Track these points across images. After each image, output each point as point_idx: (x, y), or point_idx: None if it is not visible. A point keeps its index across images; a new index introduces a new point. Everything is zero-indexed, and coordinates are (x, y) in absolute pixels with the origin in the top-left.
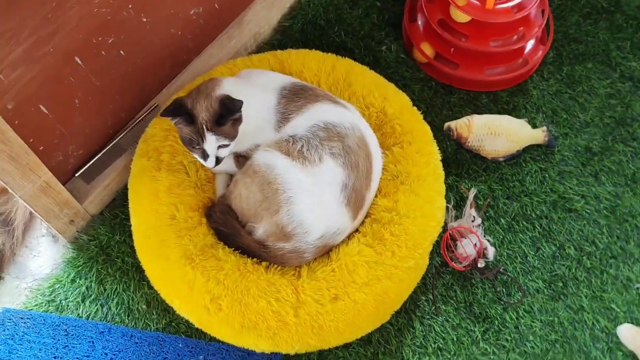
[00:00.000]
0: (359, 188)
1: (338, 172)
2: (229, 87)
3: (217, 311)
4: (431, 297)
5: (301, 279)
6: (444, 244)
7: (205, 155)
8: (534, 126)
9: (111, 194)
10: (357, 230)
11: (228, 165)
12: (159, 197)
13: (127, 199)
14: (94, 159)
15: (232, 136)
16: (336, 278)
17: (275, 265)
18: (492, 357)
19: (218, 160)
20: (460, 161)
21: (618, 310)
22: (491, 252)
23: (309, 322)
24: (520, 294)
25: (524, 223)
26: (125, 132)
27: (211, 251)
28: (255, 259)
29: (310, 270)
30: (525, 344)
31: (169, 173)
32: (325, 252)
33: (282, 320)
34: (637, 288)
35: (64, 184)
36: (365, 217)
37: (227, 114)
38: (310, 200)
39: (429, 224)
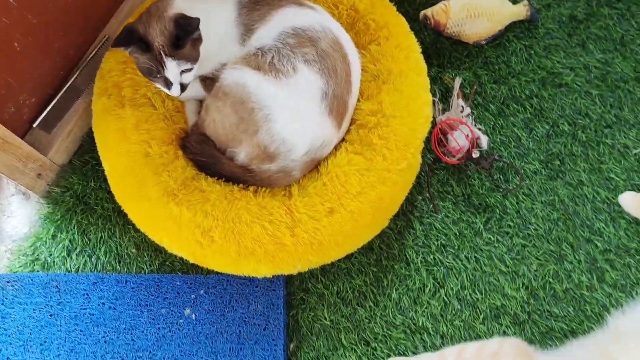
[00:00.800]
0: (339, 94)
1: (315, 79)
2: (182, 4)
3: (210, 244)
4: (428, 195)
5: (293, 198)
6: (435, 140)
7: (168, 84)
8: (514, 2)
9: (76, 140)
10: (343, 139)
11: (195, 90)
12: (127, 136)
13: (95, 143)
14: (50, 106)
15: (193, 58)
16: (329, 191)
17: (264, 188)
18: (496, 245)
19: (183, 87)
20: (440, 50)
21: (617, 179)
22: (484, 140)
23: (308, 240)
24: (518, 178)
25: (514, 105)
26: (78, 71)
27: (193, 184)
28: (241, 185)
29: (301, 187)
30: (528, 227)
31: (134, 109)
32: (314, 166)
33: (279, 242)
34: (635, 154)
35: (22, 137)
36: (351, 124)
37: (185, 34)
38: (290, 115)
39: (417, 122)
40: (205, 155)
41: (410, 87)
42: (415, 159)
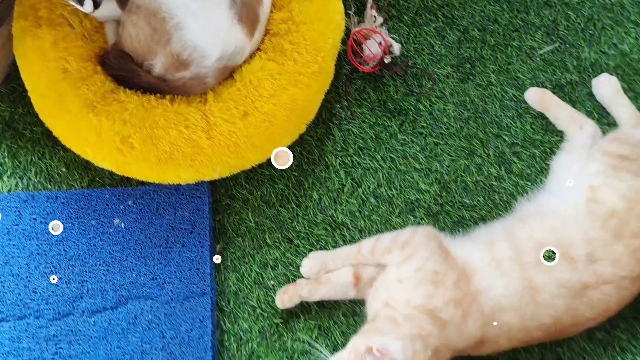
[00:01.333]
0: (249, 3)
1: None
2: None
3: (130, 150)
4: (345, 103)
5: (208, 103)
6: (350, 50)
7: (80, 0)
8: None
9: (3, 69)
10: (258, 49)
11: (110, 10)
12: (45, 54)
13: None
14: None
15: None
16: (242, 95)
17: (180, 97)
18: (411, 145)
19: (96, 4)
20: None
21: (524, 78)
22: (397, 47)
23: (224, 142)
24: (430, 82)
25: (427, 15)
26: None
27: (112, 96)
28: (158, 95)
29: (216, 94)
30: (440, 127)
31: (51, 28)
32: (228, 74)
33: (196, 145)
34: (540, 54)
35: None
36: (265, 35)
37: None
38: (199, 22)
39: (328, 27)
40: (123, 69)
41: None
42: (327, 64)
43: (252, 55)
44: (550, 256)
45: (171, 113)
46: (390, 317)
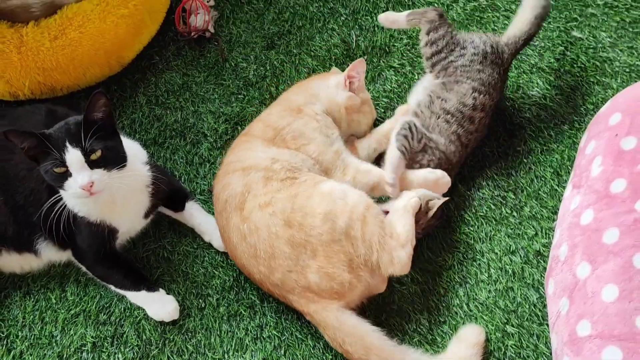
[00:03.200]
0: None
1: None
2: None
3: None
4: (164, 57)
5: (27, 27)
6: (178, 15)
7: None
8: None
9: None
10: None
11: None
12: None
13: None
14: None
15: None
16: (57, 24)
17: (7, 21)
18: (211, 93)
19: None
20: None
21: (320, 50)
22: (212, 27)
23: (32, 58)
24: (221, 58)
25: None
26: None
27: None
28: None
29: (36, 23)
30: (239, 81)
31: None
32: (54, 11)
33: (7, 58)
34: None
35: None
36: None
37: None
38: None
39: None
40: None
41: None
42: (139, 13)
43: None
44: None
45: None
46: None
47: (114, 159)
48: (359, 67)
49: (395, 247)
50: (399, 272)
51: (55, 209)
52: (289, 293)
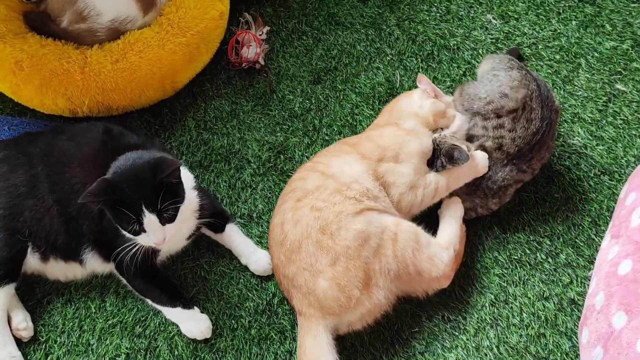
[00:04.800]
0: None
1: None
2: None
3: (20, 71)
4: (215, 84)
5: (91, 50)
6: (231, 46)
7: None
8: None
9: None
10: (148, 25)
11: None
12: None
13: None
14: None
15: None
16: (119, 49)
17: (73, 42)
18: (258, 121)
19: None
20: None
21: (364, 87)
22: (262, 59)
23: (93, 79)
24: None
25: (300, 34)
26: None
27: (22, 35)
28: (57, 39)
29: (100, 46)
30: (285, 112)
31: None
32: (118, 36)
33: (71, 77)
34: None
35: None
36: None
37: None
38: None
39: (202, 14)
40: (38, 21)
41: None
42: (195, 42)
43: (140, 28)
44: None
45: (59, 50)
46: None
47: (179, 210)
48: (423, 81)
49: (436, 252)
50: (442, 272)
51: (105, 226)
52: (294, 288)
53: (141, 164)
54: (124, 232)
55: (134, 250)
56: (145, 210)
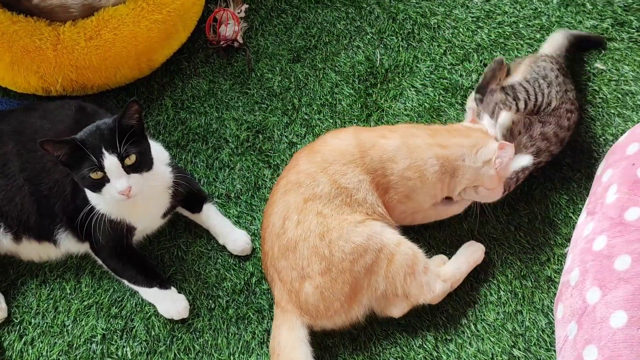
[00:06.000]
0: None
1: None
2: None
3: None
4: (192, 63)
5: (64, 26)
6: (209, 23)
7: None
8: None
9: None
10: (123, 1)
11: None
12: None
13: None
14: None
15: None
16: (93, 25)
17: (46, 19)
18: (236, 100)
19: None
20: None
21: (344, 66)
22: (240, 38)
23: (66, 56)
24: (247, 61)
25: (279, 12)
26: None
27: None
28: (29, 16)
29: (73, 23)
30: (264, 91)
31: None
32: (91, 13)
33: (43, 54)
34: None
35: None
36: None
37: None
38: None
39: None
40: None
41: None
42: (172, 19)
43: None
44: None
45: (31, 27)
46: None
47: (146, 163)
48: (509, 150)
49: (430, 281)
50: (429, 301)
51: (79, 204)
52: (280, 281)
53: (104, 121)
54: (91, 193)
55: (100, 215)
56: (105, 152)
